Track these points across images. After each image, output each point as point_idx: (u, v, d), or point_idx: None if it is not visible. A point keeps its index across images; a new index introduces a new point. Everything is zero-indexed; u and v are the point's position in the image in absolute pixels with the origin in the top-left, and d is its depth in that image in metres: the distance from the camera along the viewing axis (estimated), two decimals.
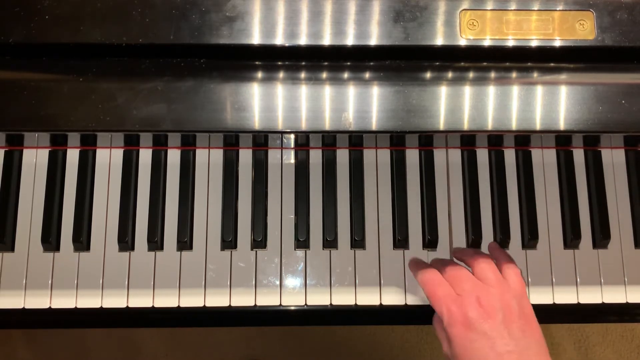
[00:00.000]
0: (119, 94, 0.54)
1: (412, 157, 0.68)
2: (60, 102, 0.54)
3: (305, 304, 0.65)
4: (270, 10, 0.55)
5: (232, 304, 0.64)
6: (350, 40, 0.55)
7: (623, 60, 0.57)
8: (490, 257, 0.61)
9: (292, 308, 0.65)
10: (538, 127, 0.55)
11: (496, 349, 0.51)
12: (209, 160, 0.67)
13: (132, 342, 1.37)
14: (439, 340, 0.58)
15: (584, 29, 0.55)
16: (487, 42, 0.56)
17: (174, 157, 0.67)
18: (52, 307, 0.64)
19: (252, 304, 0.64)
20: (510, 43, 0.56)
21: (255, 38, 0.55)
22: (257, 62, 0.57)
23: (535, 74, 0.57)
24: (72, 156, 0.67)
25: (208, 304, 0.64)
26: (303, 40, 0.55)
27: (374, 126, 0.55)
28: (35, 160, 0.67)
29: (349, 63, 0.57)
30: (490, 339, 0.52)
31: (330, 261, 0.66)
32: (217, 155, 0.67)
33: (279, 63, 0.57)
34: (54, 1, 0.55)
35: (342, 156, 0.68)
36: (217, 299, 0.64)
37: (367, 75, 0.57)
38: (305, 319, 0.64)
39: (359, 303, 0.65)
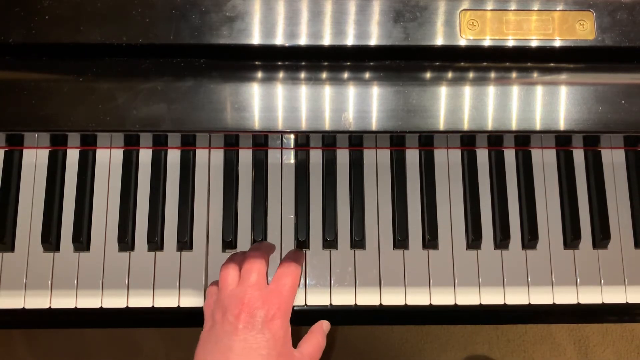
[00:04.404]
0: (119, 94, 0.54)
1: (412, 157, 0.68)
2: (60, 102, 0.54)
3: (305, 304, 0.65)
4: (270, 10, 0.55)
5: None
6: (350, 41, 0.55)
7: (623, 60, 0.57)
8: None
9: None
10: (538, 127, 0.55)
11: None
12: (209, 160, 0.67)
13: (132, 342, 1.37)
14: None
15: (584, 29, 0.55)
16: (487, 42, 0.56)
17: (174, 157, 0.67)
18: (52, 307, 0.64)
19: None
20: (510, 43, 0.56)
21: (255, 38, 0.55)
22: (257, 62, 0.57)
23: (535, 74, 0.57)
24: (72, 156, 0.67)
25: None
26: (303, 41, 0.55)
27: (374, 126, 0.55)
28: (35, 160, 0.67)
29: (348, 63, 0.57)
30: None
31: (330, 261, 0.66)
32: (217, 155, 0.67)
33: (279, 63, 0.57)
34: (54, 1, 0.55)
35: (342, 156, 0.68)
36: None
37: (367, 75, 0.57)
38: (305, 319, 0.64)
39: (358, 303, 0.65)
